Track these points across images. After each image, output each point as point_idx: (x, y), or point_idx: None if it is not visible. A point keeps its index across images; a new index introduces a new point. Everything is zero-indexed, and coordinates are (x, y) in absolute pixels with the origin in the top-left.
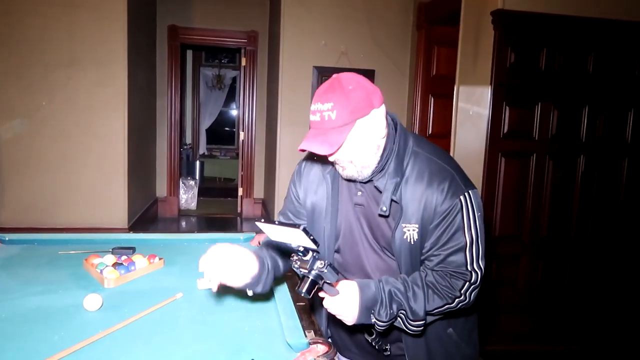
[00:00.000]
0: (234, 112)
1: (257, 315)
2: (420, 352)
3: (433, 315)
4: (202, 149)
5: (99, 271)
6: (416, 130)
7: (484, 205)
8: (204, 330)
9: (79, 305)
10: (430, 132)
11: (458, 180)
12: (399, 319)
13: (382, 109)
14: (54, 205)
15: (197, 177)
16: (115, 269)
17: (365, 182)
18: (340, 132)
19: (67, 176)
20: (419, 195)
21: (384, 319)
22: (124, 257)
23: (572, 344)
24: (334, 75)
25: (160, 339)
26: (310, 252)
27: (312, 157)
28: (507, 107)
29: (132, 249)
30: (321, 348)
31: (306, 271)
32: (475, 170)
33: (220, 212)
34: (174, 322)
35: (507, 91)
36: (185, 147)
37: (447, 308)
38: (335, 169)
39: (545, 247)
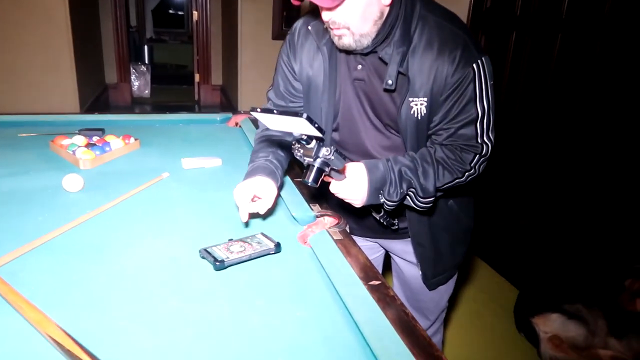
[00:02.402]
0: None
1: None
2: (423, 227)
3: (443, 190)
4: (149, 32)
5: (70, 152)
6: None
7: None
8: (201, 207)
9: (57, 187)
10: None
11: (471, 46)
12: (407, 197)
13: None
14: None
15: (147, 63)
16: (89, 149)
17: (366, 54)
18: None
19: (7, 58)
20: (428, 66)
21: (394, 199)
22: (95, 138)
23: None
24: None
25: (156, 217)
26: (314, 140)
27: (306, 26)
28: None
29: (101, 130)
30: (329, 220)
31: (311, 159)
32: None
33: (176, 100)
34: (167, 201)
35: None
36: (131, 29)
37: (457, 182)
38: (332, 40)
39: None
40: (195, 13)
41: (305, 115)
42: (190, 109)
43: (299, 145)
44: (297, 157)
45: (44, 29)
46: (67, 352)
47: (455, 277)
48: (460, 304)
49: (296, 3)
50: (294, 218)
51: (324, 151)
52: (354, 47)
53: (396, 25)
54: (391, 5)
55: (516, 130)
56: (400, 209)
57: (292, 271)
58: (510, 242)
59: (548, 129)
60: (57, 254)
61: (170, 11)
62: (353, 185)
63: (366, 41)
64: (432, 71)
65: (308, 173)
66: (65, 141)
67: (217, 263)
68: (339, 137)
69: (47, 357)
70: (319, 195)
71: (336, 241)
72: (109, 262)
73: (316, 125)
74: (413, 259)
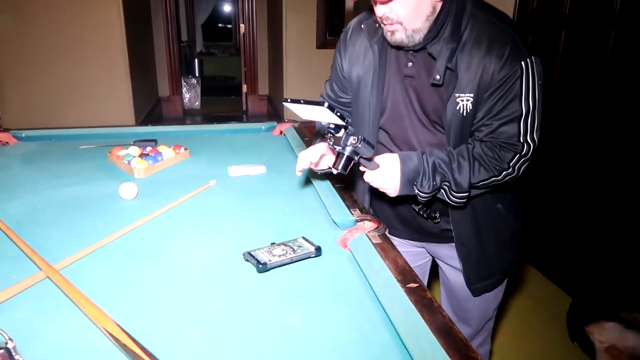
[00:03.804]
0: (226, 8)
1: (296, 198)
2: (467, 227)
3: (478, 188)
4: (199, 46)
5: (126, 162)
6: None
7: None
8: (246, 212)
9: (114, 195)
10: None
11: (521, 44)
12: (442, 190)
13: None
14: (56, 105)
15: (197, 76)
16: (142, 159)
17: (417, 51)
18: None
19: (66, 73)
20: (476, 63)
21: (427, 191)
22: (148, 149)
23: None
24: None
25: (205, 221)
26: (343, 129)
27: (360, 24)
28: None
29: (154, 141)
30: (369, 225)
31: (340, 148)
32: None
33: (225, 111)
34: (215, 206)
35: None
36: (182, 44)
37: (494, 181)
38: (384, 37)
39: None
40: (242, 26)
41: (326, 103)
42: (238, 119)
43: (330, 135)
44: (330, 146)
45: (102, 46)
46: (123, 346)
47: (503, 286)
48: (510, 312)
49: (351, 0)
50: (335, 223)
51: (351, 140)
52: (406, 43)
53: (447, 22)
54: (443, 1)
55: (568, 133)
56: (434, 203)
57: (331, 274)
58: (562, 248)
59: (602, 132)
60: (115, 257)
61: (220, 25)
62: (386, 174)
63: (418, 37)
64: (479, 67)
65: (338, 161)
66: (122, 152)
67: (260, 266)
68: (388, 133)
69: (104, 350)
70: (357, 200)
71: (375, 245)
72: (161, 265)
73: (337, 114)
74: (459, 264)
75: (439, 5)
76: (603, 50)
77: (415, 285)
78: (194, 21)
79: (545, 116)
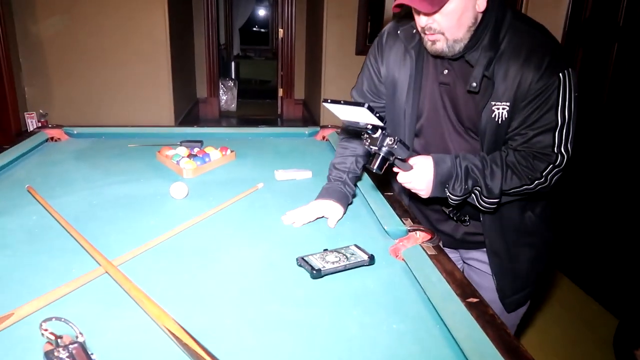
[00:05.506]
0: (261, 13)
1: None
2: (498, 234)
3: (509, 195)
4: (236, 49)
5: (175, 162)
6: None
7: None
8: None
9: (165, 193)
10: None
11: (559, 56)
12: (473, 195)
13: None
14: (100, 105)
15: (234, 78)
16: (191, 160)
17: (454, 59)
18: None
19: (111, 74)
20: (513, 72)
21: (458, 194)
22: (196, 149)
23: None
24: None
25: (255, 223)
26: (380, 130)
27: (396, 30)
28: None
29: (200, 142)
30: (422, 235)
31: (376, 148)
32: None
33: (260, 114)
34: (264, 209)
35: None
36: (220, 47)
37: (525, 189)
38: (421, 44)
39: None
40: (281, 31)
41: (366, 105)
42: (273, 123)
43: (367, 136)
44: (366, 147)
45: (146, 49)
46: (184, 346)
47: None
48: (556, 333)
49: (396, 10)
50: (386, 232)
51: (387, 140)
52: (446, 53)
53: (486, 31)
54: (484, 12)
55: (618, 146)
56: (464, 207)
57: (386, 283)
58: (609, 267)
59: None
60: (169, 255)
61: (254, 29)
62: (419, 176)
63: (458, 47)
64: (517, 77)
65: (374, 161)
66: (170, 152)
67: (314, 272)
68: (423, 139)
69: (165, 349)
70: (408, 209)
71: (430, 256)
72: (214, 265)
73: (377, 115)
74: (488, 269)
75: (480, 16)
76: None
77: (475, 300)
78: (232, 24)
79: (594, 128)
